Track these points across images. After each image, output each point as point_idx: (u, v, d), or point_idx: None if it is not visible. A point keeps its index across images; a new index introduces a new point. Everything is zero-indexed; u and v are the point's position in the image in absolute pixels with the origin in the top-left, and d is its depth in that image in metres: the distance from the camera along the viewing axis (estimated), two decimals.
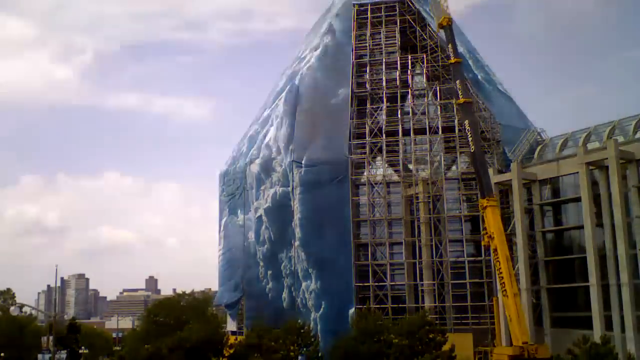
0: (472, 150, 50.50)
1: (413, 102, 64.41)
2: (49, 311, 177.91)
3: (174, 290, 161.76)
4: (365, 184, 61.76)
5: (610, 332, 45.07)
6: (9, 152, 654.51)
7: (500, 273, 47.08)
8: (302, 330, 52.10)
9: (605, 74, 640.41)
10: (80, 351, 75.88)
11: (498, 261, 47.33)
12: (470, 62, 66.51)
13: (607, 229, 48.00)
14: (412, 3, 67.23)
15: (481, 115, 60.91)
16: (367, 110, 63.89)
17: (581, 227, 49.88)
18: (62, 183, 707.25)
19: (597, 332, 44.86)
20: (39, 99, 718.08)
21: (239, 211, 68.41)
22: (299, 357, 51.17)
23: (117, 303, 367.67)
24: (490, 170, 57.36)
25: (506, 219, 55.77)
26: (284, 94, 68.95)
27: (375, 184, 61.69)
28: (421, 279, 58.87)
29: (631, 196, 47.08)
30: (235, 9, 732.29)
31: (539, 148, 59.73)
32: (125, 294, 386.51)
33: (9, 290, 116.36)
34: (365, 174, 61.87)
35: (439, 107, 63.48)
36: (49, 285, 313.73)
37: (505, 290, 46.61)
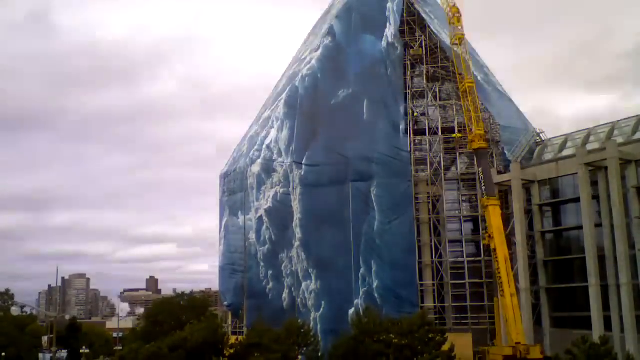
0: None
1: (413, 103, 64.52)
2: (49, 311, 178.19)
3: (174, 290, 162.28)
4: None
5: (609, 332, 45.19)
6: None
7: (499, 273, 47.70)
8: (302, 330, 52.23)
9: None
10: (80, 351, 76.14)
11: (497, 261, 48.02)
12: (470, 63, 66.57)
13: (606, 230, 48.17)
14: (411, 4, 67.37)
15: (481, 116, 61.04)
16: None
17: (580, 228, 50.03)
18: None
19: (596, 333, 44.98)
20: None
21: (240, 212, 68.64)
22: (299, 357, 51.34)
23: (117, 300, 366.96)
24: (491, 171, 57.65)
25: (506, 219, 56.01)
26: (284, 95, 69.09)
27: None
28: (421, 279, 59.04)
29: (630, 197, 47.26)
30: None
31: (538, 149, 59.94)
32: (126, 294, 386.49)
33: (7, 290, 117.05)
34: None
35: (438, 108, 63.67)
36: (50, 285, 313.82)
37: (502, 290, 47.21)
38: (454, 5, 56.24)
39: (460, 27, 55.70)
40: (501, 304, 48.24)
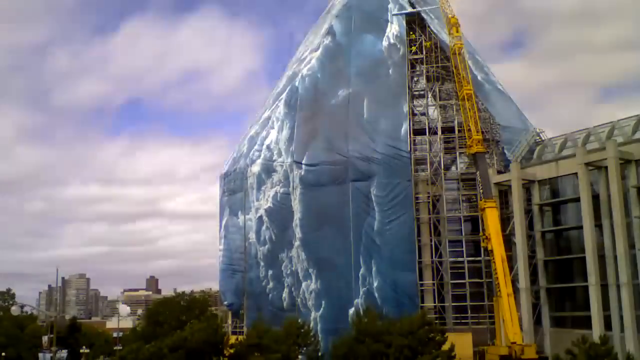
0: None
1: (413, 103, 64.51)
2: (49, 311, 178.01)
3: (175, 290, 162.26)
4: None
5: (609, 332, 45.22)
6: None
7: (496, 273, 47.97)
8: (302, 330, 52.20)
9: None
10: (80, 351, 76.04)
11: (494, 262, 48.31)
12: (470, 62, 66.64)
13: (606, 229, 48.19)
14: (412, 4, 67.35)
15: (481, 115, 61.19)
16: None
17: (580, 228, 50.04)
18: None
19: (596, 332, 45.01)
20: None
21: (240, 212, 68.62)
22: (299, 357, 51.33)
23: (118, 303, 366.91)
24: (490, 171, 57.69)
25: (506, 219, 56.08)
26: (284, 95, 69.10)
27: None
28: (421, 279, 59.04)
29: (630, 196, 47.28)
30: None
31: (538, 148, 59.92)
32: (126, 293, 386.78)
33: (8, 290, 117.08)
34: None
35: (438, 108, 63.68)
36: (50, 285, 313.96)
37: (499, 290, 47.46)
38: (453, 16, 56.49)
39: (459, 37, 56.08)
40: (499, 304, 48.52)
